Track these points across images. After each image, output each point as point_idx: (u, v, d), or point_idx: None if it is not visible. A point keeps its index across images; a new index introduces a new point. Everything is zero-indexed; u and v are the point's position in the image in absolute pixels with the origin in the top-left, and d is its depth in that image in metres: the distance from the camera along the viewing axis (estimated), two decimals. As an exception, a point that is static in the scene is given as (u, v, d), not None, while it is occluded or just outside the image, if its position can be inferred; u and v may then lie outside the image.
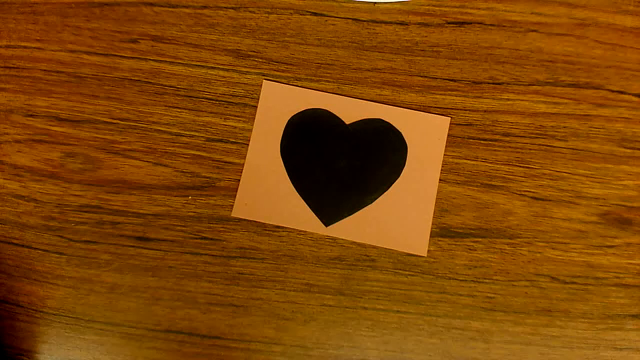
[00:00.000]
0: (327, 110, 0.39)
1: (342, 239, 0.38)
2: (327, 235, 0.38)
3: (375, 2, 0.40)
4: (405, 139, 0.39)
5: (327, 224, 0.38)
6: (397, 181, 0.38)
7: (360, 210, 0.38)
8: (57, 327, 0.38)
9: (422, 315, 0.38)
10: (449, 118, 0.39)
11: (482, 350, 0.37)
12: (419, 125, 0.39)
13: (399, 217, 0.38)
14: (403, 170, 0.38)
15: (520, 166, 0.38)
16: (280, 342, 0.38)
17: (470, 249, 0.38)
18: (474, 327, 0.37)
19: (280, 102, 0.39)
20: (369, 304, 0.38)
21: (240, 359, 0.38)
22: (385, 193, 0.38)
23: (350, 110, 0.39)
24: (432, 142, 0.38)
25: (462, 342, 0.37)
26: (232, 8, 0.40)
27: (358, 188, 0.38)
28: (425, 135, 0.39)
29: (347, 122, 0.39)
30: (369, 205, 0.38)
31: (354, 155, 0.38)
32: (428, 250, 0.38)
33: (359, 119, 0.39)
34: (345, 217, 0.38)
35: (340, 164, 0.38)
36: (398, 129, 0.39)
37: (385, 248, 0.38)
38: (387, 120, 0.39)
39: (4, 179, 0.39)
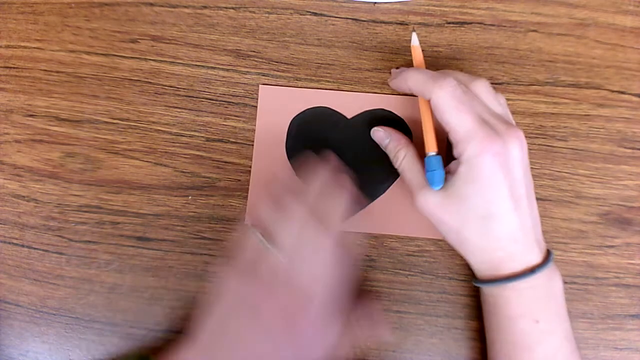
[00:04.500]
0: (327, 108, 0.39)
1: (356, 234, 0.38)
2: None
3: (375, 2, 0.39)
4: (409, 125, 0.38)
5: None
6: None
7: (373, 203, 0.38)
8: (57, 327, 0.38)
9: (422, 315, 0.38)
10: None
11: (482, 350, 0.37)
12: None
13: (410, 205, 0.38)
14: None
15: (520, 166, 0.38)
16: (280, 342, 0.38)
17: (470, 249, 0.38)
18: (474, 327, 0.37)
19: (279, 105, 0.39)
20: (369, 304, 0.38)
21: (240, 359, 0.38)
22: (396, 182, 0.38)
23: (349, 104, 0.39)
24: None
25: (462, 342, 0.37)
26: (232, 8, 0.40)
27: (368, 179, 0.38)
28: None
29: (349, 116, 0.39)
30: (381, 196, 0.38)
31: (360, 147, 0.38)
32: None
33: (360, 111, 0.39)
34: (359, 210, 0.38)
35: (348, 157, 0.38)
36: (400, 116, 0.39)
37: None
38: (389, 109, 0.39)
39: (4, 179, 0.39)
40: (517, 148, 0.31)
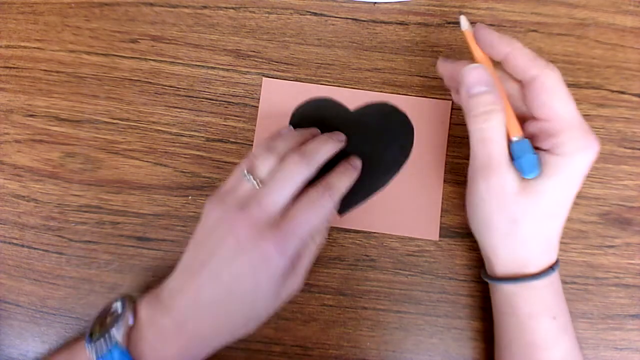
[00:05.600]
0: (330, 99, 0.39)
1: (352, 232, 0.38)
2: (340, 227, 0.38)
3: (375, 2, 0.39)
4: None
5: (341, 213, 0.38)
6: (406, 164, 0.38)
7: (372, 198, 0.38)
8: (57, 327, 0.38)
9: (422, 315, 0.38)
10: (450, 101, 0.38)
11: (482, 350, 0.37)
12: (422, 110, 0.38)
13: (409, 202, 0.38)
14: (411, 153, 0.38)
15: (520, 166, 0.38)
16: (280, 342, 0.38)
17: (470, 249, 0.38)
18: (474, 327, 0.37)
19: (281, 98, 0.39)
20: (369, 304, 0.38)
21: (240, 359, 0.38)
22: (396, 178, 0.38)
23: (352, 98, 0.39)
24: (436, 126, 0.38)
25: (462, 342, 0.37)
26: (232, 8, 0.40)
27: (369, 172, 0.38)
28: (428, 119, 0.38)
29: (351, 108, 0.39)
30: (381, 192, 0.38)
31: (362, 140, 0.38)
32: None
33: (363, 104, 0.39)
34: (359, 203, 0.38)
35: (349, 149, 0.38)
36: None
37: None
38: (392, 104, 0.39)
39: (4, 179, 0.39)
40: None
